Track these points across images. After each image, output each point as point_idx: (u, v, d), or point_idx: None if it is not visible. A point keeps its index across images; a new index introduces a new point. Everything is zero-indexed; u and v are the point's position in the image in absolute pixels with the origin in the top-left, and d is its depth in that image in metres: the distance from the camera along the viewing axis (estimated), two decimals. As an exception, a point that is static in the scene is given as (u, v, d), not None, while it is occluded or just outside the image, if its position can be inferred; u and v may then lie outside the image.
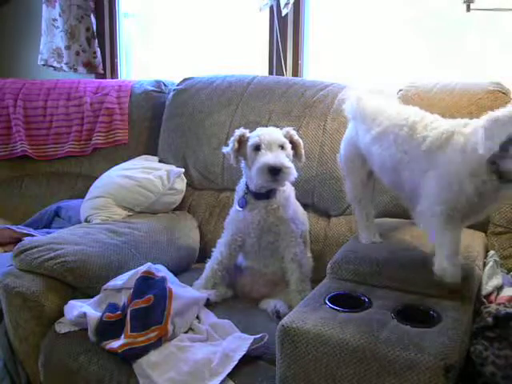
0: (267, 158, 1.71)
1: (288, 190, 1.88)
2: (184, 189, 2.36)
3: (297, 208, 1.93)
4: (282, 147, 1.77)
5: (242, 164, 1.87)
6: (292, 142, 1.83)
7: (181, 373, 1.49)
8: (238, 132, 1.84)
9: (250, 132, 1.83)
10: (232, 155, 1.82)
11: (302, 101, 2.19)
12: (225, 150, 1.87)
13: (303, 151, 1.86)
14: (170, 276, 1.80)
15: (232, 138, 1.84)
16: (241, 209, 1.86)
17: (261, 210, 1.82)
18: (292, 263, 1.83)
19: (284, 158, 1.73)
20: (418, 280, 1.45)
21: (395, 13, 2.43)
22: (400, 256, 1.56)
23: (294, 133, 1.84)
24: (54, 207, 2.47)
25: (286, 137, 1.81)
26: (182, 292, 1.73)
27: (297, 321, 1.32)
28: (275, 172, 1.70)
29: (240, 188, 1.90)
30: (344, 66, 2.56)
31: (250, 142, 1.78)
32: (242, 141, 1.82)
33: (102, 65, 3.11)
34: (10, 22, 3.36)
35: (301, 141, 1.86)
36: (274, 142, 1.75)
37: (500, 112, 1.28)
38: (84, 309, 1.69)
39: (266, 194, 1.83)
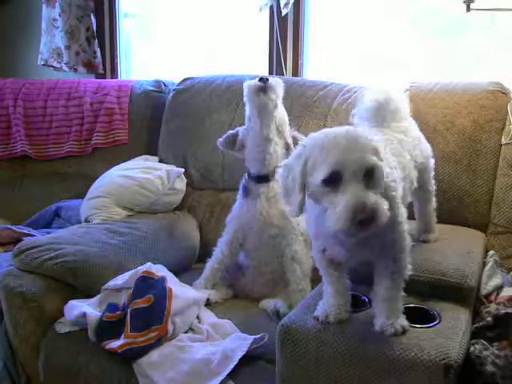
0: None
1: None
2: (184, 189, 2.36)
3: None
4: None
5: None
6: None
7: (181, 373, 1.49)
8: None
9: None
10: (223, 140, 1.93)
11: (302, 101, 2.19)
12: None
13: None
14: (169, 276, 1.80)
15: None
16: (244, 198, 1.88)
17: (262, 198, 1.84)
18: (292, 261, 1.83)
19: None
20: (418, 280, 1.44)
21: (395, 13, 2.43)
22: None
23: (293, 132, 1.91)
24: (53, 207, 2.46)
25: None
26: (182, 292, 1.73)
27: (297, 321, 1.32)
28: None
29: (242, 182, 1.93)
30: (344, 65, 2.56)
31: None
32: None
33: (101, 65, 3.11)
34: (10, 22, 3.35)
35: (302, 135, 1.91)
36: None
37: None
38: (84, 309, 1.69)
39: (266, 177, 1.85)
